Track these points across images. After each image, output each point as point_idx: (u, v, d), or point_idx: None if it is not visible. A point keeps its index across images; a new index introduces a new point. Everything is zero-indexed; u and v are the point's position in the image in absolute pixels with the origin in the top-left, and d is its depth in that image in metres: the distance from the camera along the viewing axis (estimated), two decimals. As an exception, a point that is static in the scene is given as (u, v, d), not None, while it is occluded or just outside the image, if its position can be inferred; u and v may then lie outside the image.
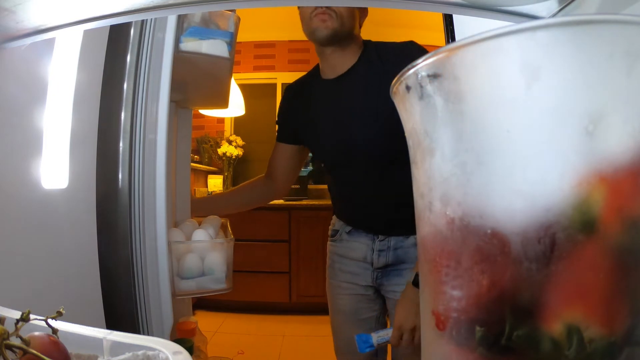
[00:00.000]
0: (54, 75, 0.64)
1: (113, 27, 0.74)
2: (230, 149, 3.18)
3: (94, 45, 0.73)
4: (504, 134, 0.20)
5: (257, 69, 3.38)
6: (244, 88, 2.63)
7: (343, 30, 0.93)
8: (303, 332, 2.37)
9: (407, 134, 0.26)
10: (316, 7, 0.91)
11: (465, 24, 0.85)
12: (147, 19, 0.77)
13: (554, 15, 0.47)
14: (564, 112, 0.19)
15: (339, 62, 0.97)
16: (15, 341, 0.28)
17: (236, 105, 2.48)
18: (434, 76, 0.22)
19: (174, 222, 1.05)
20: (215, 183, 3.21)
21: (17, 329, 0.29)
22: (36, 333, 0.30)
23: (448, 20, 0.96)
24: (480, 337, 0.21)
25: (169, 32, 0.79)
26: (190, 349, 0.78)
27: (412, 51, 0.94)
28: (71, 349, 0.31)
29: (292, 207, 2.73)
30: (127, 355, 0.31)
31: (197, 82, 1.03)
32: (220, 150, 3.19)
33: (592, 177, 0.19)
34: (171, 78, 0.80)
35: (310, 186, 2.96)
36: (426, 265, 0.24)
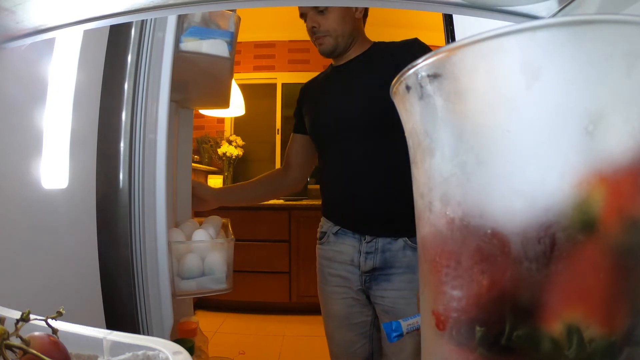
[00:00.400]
0: (54, 75, 0.64)
1: (113, 27, 0.74)
2: (230, 149, 3.18)
3: (94, 45, 0.73)
4: (504, 134, 0.20)
5: (257, 69, 3.38)
6: (244, 88, 2.63)
7: (339, 44, 1.01)
8: (303, 332, 2.37)
9: (407, 134, 0.26)
10: (312, 33, 1.00)
11: (465, 24, 0.85)
12: (147, 19, 0.77)
13: (554, 15, 0.47)
14: (564, 112, 0.19)
15: (346, 56, 1.05)
16: (15, 341, 0.28)
17: (236, 105, 2.48)
18: (434, 76, 0.22)
19: (174, 222, 1.05)
20: (215, 183, 3.21)
21: (17, 329, 0.29)
22: (36, 333, 0.30)
23: (448, 20, 0.96)
24: (480, 337, 0.21)
25: (169, 31, 0.79)
26: (191, 349, 0.78)
27: (414, 47, 0.98)
28: (71, 349, 0.31)
29: (292, 207, 2.73)
30: (127, 355, 0.31)
31: (197, 82, 1.03)
32: (220, 150, 3.20)
33: (592, 177, 0.19)
34: (171, 78, 0.80)
35: (310, 186, 2.96)
36: (426, 265, 0.24)
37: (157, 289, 0.78)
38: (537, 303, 0.19)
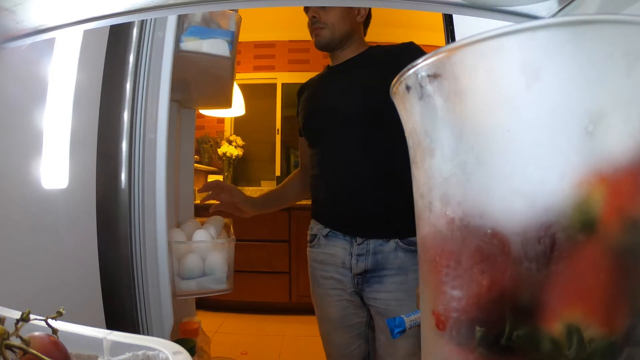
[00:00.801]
0: (54, 75, 0.64)
1: (113, 27, 0.74)
2: (230, 149, 3.18)
3: (94, 45, 0.73)
4: (504, 134, 0.20)
5: (257, 69, 3.38)
6: (244, 88, 2.64)
7: (336, 37, 1.02)
8: (303, 332, 2.36)
9: (407, 134, 0.26)
10: (312, 23, 1.02)
11: (465, 24, 0.85)
12: (147, 19, 0.77)
13: (554, 15, 0.47)
14: (564, 112, 0.19)
15: (342, 57, 1.06)
16: (15, 341, 0.28)
17: (236, 105, 2.48)
18: (434, 76, 0.22)
19: (176, 222, 1.05)
20: (216, 183, 3.20)
21: (17, 329, 0.29)
22: (36, 333, 0.30)
23: (448, 20, 0.96)
24: (480, 337, 0.21)
25: (169, 31, 0.79)
26: (192, 349, 0.78)
27: (410, 49, 0.99)
28: (71, 349, 0.31)
29: (292, 207, 2.71)
30: (127, 355, 0.31)
31: (198, 82, 1.03)
32: (220, 150, 3.20)
33: (592, 177, 0.19)
34: (172, 77, 0.80)
35: (311, 186, 2.95)
36: (426, 265, 0.24)
37: (157, 289, 0.78)
38: (537, 303, 0.19)
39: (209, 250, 0.93)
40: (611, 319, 0.19)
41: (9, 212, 0.56)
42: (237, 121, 3.36)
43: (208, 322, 2.37)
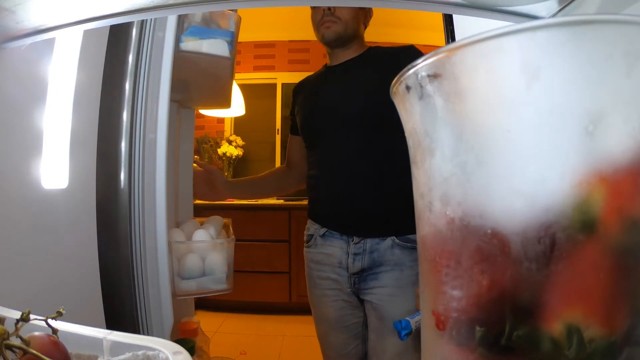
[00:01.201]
0: (54, 75, 0.64)
1: (113, 27, 0.74)
2: (230, 149, 3.18)
3: (94, 45, 0.73)
4: (504, 134, 0.20)
5: (257, 69, 3.38)
6: (244, 88, 2.64)
7: (347, 33, 1.02)
8: (303, 332, 2.36)
9: (407, 134, 0.26)
10: (323, 15, 1.01)
11: (465, 24, 0.85)
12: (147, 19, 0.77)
13: (554, 15, 0.47)
14: (564, 112, 0.19)
15: (344, 57, 1.06)
16: (15, 341, 0.28)
17: (236, 105, 2.49)
18: (434, 76, 0.22)
19: (176, 222, 1.05)
20: (216, 183, 3.20)
21: (17, 329, 0.29)
22: (36, 333, 0.30)
23: (448, 20, 0.96)
24: (480, 337, 0.21)
25: (169, 31, 0.79)
26: (192, 349, 0.78)
27: (410, 51, 1.00)
28: (71, 349, 0.31)
29: (292, 207, 2.73)
30: (127, 355, 0.31)
31: (198, 82, 1.03)
32: (220, 150, 3.20)
33: (592, 177, 0.19)
34: (172, 77, 0.80)
35: (311, 186, 2.95)
36: (426, 265, 0.24)
37: (157, 289, 0.78)
38: (537, 303, 0.19)
39: (208, 250, 0.93)
40: (611, 319, 0.19)
41: (9, 212, 0.56)
42: (237, 121, 3.35)
43: (208, 322, 2.37)
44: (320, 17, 1.01)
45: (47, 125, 0.63)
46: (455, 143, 0.22)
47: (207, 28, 0.89)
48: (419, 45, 1.01)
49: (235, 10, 0.94)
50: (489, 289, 0.20)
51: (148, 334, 0.77)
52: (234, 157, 3.20)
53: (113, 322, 0.73)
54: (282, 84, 3.35)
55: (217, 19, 0.92)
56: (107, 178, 0.75)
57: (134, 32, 0.77)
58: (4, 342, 0.28)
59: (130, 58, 0.76)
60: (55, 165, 0.64)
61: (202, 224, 1.03)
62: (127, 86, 0.76)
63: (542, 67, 0.19)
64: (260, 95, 3.31)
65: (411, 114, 0.25)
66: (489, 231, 0.20)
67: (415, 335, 0.85)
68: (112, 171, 0.76)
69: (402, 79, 0.24)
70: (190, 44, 0.86)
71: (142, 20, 0.76)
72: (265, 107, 3.33)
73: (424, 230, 0.25)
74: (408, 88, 0.24)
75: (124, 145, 0.76)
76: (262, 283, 2.68)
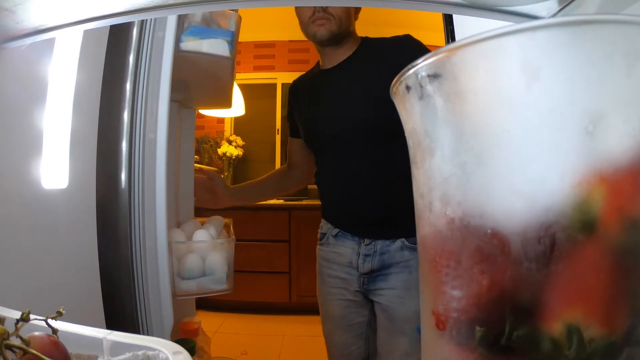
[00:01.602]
0: (54, 75, 0.64)
1: (113, 27, 0.74)
2: (230, 149, 3.18)
3: (94, 45, 0.73)
4: (504, 134, 0.20)
5: (257, 69, 3.38)
6: (244, 88, 2.63)
7: (341, 31, 0.98)
8: (303, 332, 2.36)
9: (407, 134, 0.26)
10: (314, 12, 0.96)
11: (465, 24, 0.85)
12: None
13: (554, 15, 0.47)
14: (564, 112, 0.19)
15: (337, 56, 1.02)
16: (15, 341, 0.28)
17: (236, 105, 2.48)
18: (434, 76, 0.22)
19: (177, 222, 1.05)
20: (216, 183, 3.20)
21: (17, 329, 0.29)
22: (36, 333, 0.30)
23: (448, 20, 0.96)
24: (480, 337, 0.21)
25: (169, 31, 0.79)
26: (192, 349, 0.78)
27: (407, 44, 0.97)
28: (71, 349, 0.31)
29: (292, 207, 2.73)
30: (127, 355, 0.31)
31: (198, 82, 1.03)
32: (220, 150, 3.20)
33: (592, 177, 0.19)
34: (172, 77, 0.80)
35: (310, 186, 2.95)
36: (426, 265, 0.24)
37: (157, 289, 0.78)
38: (537, 303, 0.19)
39: (209, 250, 0.93)
40: (611, 319, 0.19)
41: (9, 212, 0.56)
42: (237, 121, 3.35)
43: (208, 322, 2.37)
44: (311, 14, 0.96)
45: (47, 125, 0.63)
46: (455, 143, 0.22)
47: (208, 28, 0.89)
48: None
49: (236, 10, 0.94)
50: (489, 289, 0.20)
51: (148, 334, 0.77)
52: (234, 157, 3.20)
53: (113, 322, 0.73)
54: (282, 84, 3.35)
55: (218, 18, 0.92)
56: (107, 178, 0.75)
57: (134, 32, 0.77)
58: (4, 342, 0.28)
59: (131, 58, 0.76)
60: (55, 165, 0.64)
61: (202, 224, 1.03)
62: (127, 86, 0.76)
63: (542, 67, 0.19)
64: (260, 95, 3.31)
65: (411, 114, 0.25)
66: (489, 231, 0.20)
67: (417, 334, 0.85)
68: (112, 171, 0.76)
69: (402, 79, 0.24)
70: (191, 44, 0.86)
71: (142, 20, 0.76)
72: (265, 107, 3.33)
73: (424, 230, 0.25)
74: (408, 88, 0.24)
75: (124, 145, 0.76)
76: (262, 283, 2.68)
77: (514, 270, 0.20)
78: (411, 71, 0.23)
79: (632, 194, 0.20)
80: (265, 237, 2.73)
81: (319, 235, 1.09)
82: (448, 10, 0.62)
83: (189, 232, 0.95)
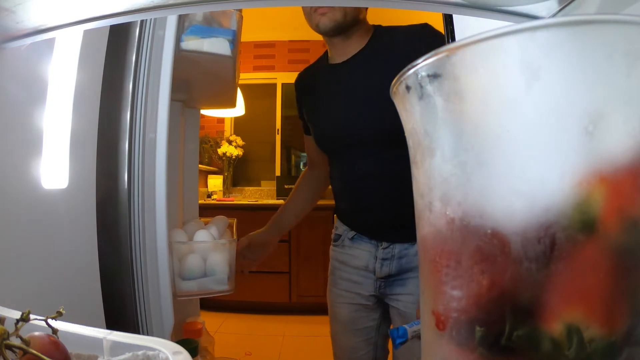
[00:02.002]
0: (54, 75, 0.64)
1: (113, 27, 0.74)
2: (230, 149, 3.19)
3: (94, 45, 0.73)
4: (504, 134, 0.20)
5: (257, 69, 3.38)
6: (244, 88, 2.64)
7: (346, 20, 0.91)
8: (303, 332, 2.37)
9: (407, 134, 0.26)
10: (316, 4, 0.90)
11: (465, 24, 0.85)
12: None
13: (554, 15, 0.47)
14: (564, 112, 0.19)
15: (346, 48, 0.96)
16: (15, 341, 0.28)
17: (236, 105, 2.48)
18: (433, 76, 0.22)
19: (181, 222, 1.05)
20: (215, 183, 3.21)
21: (17, 329, 0.29)
22: (36, 333, 0.30)
23: (448, 20, 0.96)
24: (480, 337, 0.21)
25: (169, 30, 0.79)
26: (195, 350, 0.78)
27: (424, 34, 0.91)
28: (71, 349, 0.31)
29: (292, 207, 2.72)
30: (127, 355, 0.31)
31: (200, 81, 1.03)
32: (220, 150, 3.20)
33: (592, 177, 0.19)
34: (173, 77, 0.80)
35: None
36: (426, 265, 0.24)
37: (157, 289, 0.78)
38: (537, 303, 0.19)
39: (210, 250, 0.92)
40: (611, 319, 0.19)
41: (9, 212, 0.56)
42: (237, 121, 3.36)
43: (208, 322, 2.37)
44: (312, 7, 0.90)
45: (47, 125, 0.63)
46: (455, 143, 0.22)
47: (208, 27, 0.88)
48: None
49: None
50: (489, 289, 0.20)
51: (148, 335, 0.77)
52: (234, 157, 3.20)
53: (113, 322, 0.73)
54: (282, 84, 3.36)
55: (219, 17, 0.92)
56: (107, 178, 0.75)
57: (134, 31, 0.76)
58: (4, 342, 0.28)
59: (131, 58, 0.76)
60: (55, 165, 0.64)
61: (207, 224, 1.02)
62: (127, 86, 0.76)
63: (542, 67, 0.19)
64: (260, 95, 3.31)
65: (411, 114, 0.25)
66: (489, 231, 0.20)
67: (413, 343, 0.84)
68: (112, 171, 0.76)
69: (402, 79, 0.24)
70: (191, 43, 0.86)
71: (142, 20, 0.76)
72: (265, 107, 3.33)
73: (424, 230, 0.25)
74: (408, 88, 0.24)
75: (124, 145, 0.76)
76: (262, 283, 2.68)
77: (514, 270, 0.20)
78: (411, 71, 0.23)
79: (632, 194, 0.20)
80: (266, 237, 2.72)
81: (333, 236, 1.06)
82: (448, 10, 0.62)
83: (191, 232, 0.95)
